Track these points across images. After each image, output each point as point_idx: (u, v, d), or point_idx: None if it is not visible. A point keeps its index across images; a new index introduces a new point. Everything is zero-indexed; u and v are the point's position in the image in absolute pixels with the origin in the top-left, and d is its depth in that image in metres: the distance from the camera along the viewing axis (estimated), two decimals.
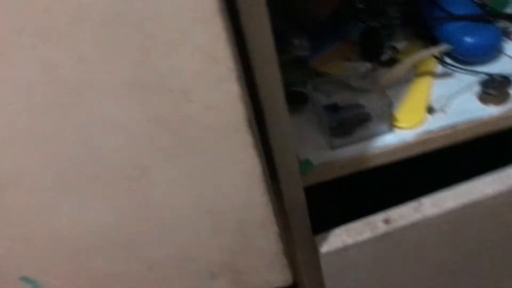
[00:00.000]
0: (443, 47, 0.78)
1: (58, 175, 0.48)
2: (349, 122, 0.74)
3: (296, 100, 0.80)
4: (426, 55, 0.79)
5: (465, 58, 0.80)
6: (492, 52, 0.81)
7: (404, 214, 0.68)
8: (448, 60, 0.82)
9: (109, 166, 0.47)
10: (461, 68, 0.80)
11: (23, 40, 0.39)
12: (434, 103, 0.75)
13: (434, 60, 0.82)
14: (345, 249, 0.67)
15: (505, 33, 0.84)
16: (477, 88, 0.76)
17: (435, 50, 0.79)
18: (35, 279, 0.57)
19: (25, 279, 0.57)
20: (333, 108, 0.77)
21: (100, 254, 0.56)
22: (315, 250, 0.69)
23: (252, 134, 0.46)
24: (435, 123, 0.73)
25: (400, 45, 0.87)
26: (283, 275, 0.60)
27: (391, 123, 0.74)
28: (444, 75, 0.81)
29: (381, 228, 0.68)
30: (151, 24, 0.37)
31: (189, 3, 0.36)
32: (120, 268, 0.58)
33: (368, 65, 0.83)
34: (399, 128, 0.74)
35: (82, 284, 0.59)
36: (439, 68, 0.82)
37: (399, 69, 0.79)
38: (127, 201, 0.51)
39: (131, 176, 0.48)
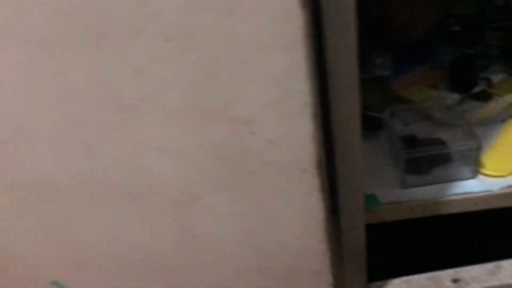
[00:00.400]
0: None
1: (103, 189, 0.43)
2: (427, 160, 0.66)
3: (369, 126, 0.72)
4: None
5: None
6: None
7: (478, 276, 0.60)
8: None
9: (156, 188, 0.42)
10: None
11: (80, 42, 0.34)
12: None
13: None
14: None
15: None
16: None
17: None
18: (65, 285, 0.54)
19: (55, 283, 0.54)
20: (410, 141, 0.69)
21: (133, 274, 0.52)
22: None
23: (320, 177, 0.39)
24: None
25: (496, 77, 0.77)
26: None
27: (475, 168, 0.65)
28: None
29: None
30: (222, 45, 0.32)
31: (270, 25, 0.30)
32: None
33: (456, 96, 0.74)
34: (484, 175, 0.65)
35: None
36: None
37: (493, 107, 0.69)
38: (169, 226, 0.46)
39: (178, 202, 0.43)
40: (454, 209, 0.65)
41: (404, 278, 0.61)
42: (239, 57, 0.33)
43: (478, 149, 0.63)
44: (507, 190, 0.63)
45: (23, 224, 0.48)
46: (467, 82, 0.75)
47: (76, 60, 0.34)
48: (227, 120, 0.36)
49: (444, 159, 0.66)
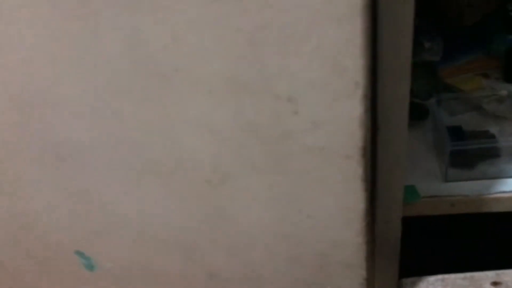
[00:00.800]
0: None
1: (133, 160, 0.41)
2: (473, 154, 0.62)
3: (414, 113, 0.68)
4: None
5: None
6: None
7: None
8: None
9: (187, 164, 0.40)
10: None
11: (115, 3, 0.31)
12: None
13: None
14: None
15: None
16: None
17: None
18: (90, 256, 0.53)
19: (80, 253, 0.53)
20: (457, 132, 0.64)
21: (160, 249, 0.50)
22: None
23: (365, 165, 0.36)
24: None
25: None
26: None
27: None
28: None
29: None
30: (270, 11, 0.28)
31: None
32: (176, 269, 0.52)
33: (509, 88, 0.69)
34: None
35: (135, 274, 0.54)
36: None
37: None
38: (198, 204, 0.43)
39: (209, 180, 0.41)
40: (498, 208, 0.61)
41: (440, 276, 0.58)
42: (288, 27, 0.29)
43: None
44: None
45: (51, 192, 0.47)
46: None
47: (110, 23, 0.32)
48: (268, 97, 0.33)
49: (491, 154, 0.62)
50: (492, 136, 0.64)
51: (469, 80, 0.72)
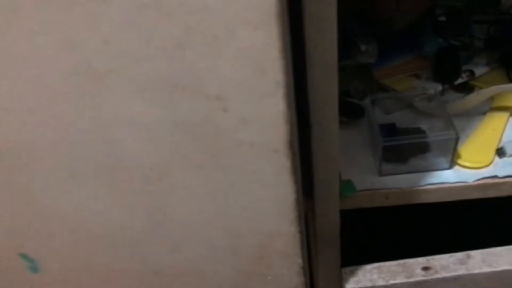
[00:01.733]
0: None
1: (72, 161, 0.43)
2: (405, 149, 0.66)
3: (350, 112, 0.72)
4: (508, 89, 0.69)
5: None
6: None
7: (447, 265, 0.60)
8: None
9: (126, 162, 0.42)
10: None
11: (48, 6, 0.33)
12: (506, 146, 0.66)
13: None
14: None
15: None
16: None
17: None
18: (34, 258, 0.53)
19: (24, 256, 0.53)
20: (390, 129, 0.69)
21: (103, 248, 0.51)
22: (340, 284, 0.62)
23: (292, 158, 0.39)
24: (503, 168, 0.64)
25: (479, 70, 0.77)
26: None
27: (452, 159, 0.65)
28: None
29: (419, 275, 0.60)
30: (193, 16, 0.31)
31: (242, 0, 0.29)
32: (123, 266, 0.53)
33: (438, 87, 0.74)
34: (461, 166, 0.65)
35: (80, 273, 0.55)
36: None
37: (473, 99, 0.69)
38: (139, 202, 0.45)
39: (148, 178, 0.43)
40: (428, 199, 0.65)
41: (376, 265, 0.61)
42: (210, 31, 0.32)
43: (456, 140, 0.63)
44: (481, 182, 0.63)
45: None
46: (450, 73, 0.75)
47: (44, 25, 0.34)
48: (199, 96, 0.36)
49: (421, 149, 0.66)
50: (423, 132, 0.68)
51: (402, 81, 0.77)
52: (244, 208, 0.44)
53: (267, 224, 0.45)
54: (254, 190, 0.42)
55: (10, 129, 0.41)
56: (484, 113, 0.71)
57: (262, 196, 0.43)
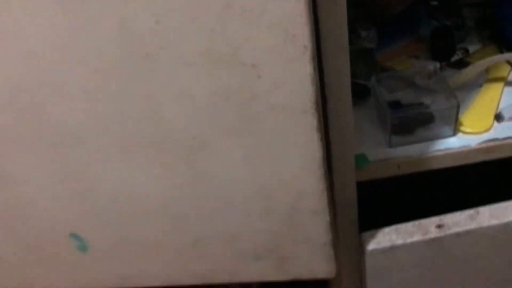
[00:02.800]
0: None
1: (122, 137, 0.48)
2: (412, 121, 0.72)
3: (357, 93, 0.77)
4: (500, 60, 0.76)
5: None
6: None
7: (459, 221, 0.66)
8: None
9: (170, 133, 0.47)
10: None
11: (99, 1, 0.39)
12: (504, 111, 0.72)
13: (507, 66, 0.78)
14: (393, 249, 0.65)
15: None
16: None
17: (510, 56, 0.75)
18: (83, 237, 0.58)
19: (74, 236, 0.58)
20: (396, 105, 0.74)
21: (148, 221, 0.56)
22: (361, 247, 0.67)
23: (318, 117, 0.45)
24: (502, 131, 0.70)
25: (472, 47, 0.83)
26: (328, 267, 0.59)
27: (455, 127, 0.71)
28: None
29: (433, 232, 0.65)
30: None
31: None
32: (165, 239, 0.58)
33: (436, 65, 0.80)
34: (464, 133, 0.71)
35: (125, 249, 0.60)
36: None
37: (469, 72, 0.75)
38: (182, 171, 0.51)
39: (191, 147, 0.48)
40: (437, 165, 0.71)
41: (393, 227, 0.67)
42: (246, 6, 0.38)
43: (457, 107, 0.69)
44: (483, 145, 0.69)
45: (46, 177, 0.52)
46: (446, 51, 0.81)
47: (99, 11, 0.39)
48: (237, 65, 0.41)
49: (426, 119, 0.72)
50: (426, 106, 0.74)
51: (402, 62, 0.83)
52: (276, 170, 0.50)
53: (297, 183, 0.51)
54: (285, 151, 0.48)
55: (63, 110, 0.46)
56: (480, 85, 0.77)
57: (292, 156, 0.48)
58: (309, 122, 0.45)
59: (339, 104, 0.57)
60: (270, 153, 0.48)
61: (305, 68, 0.41)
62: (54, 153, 0.50)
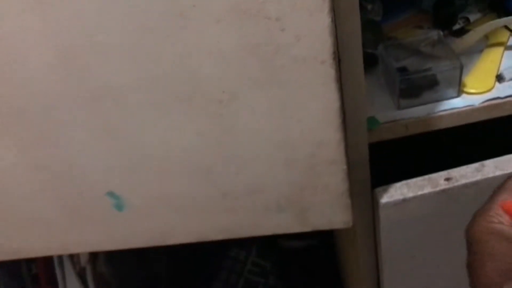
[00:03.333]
0: None
1: (156, 94, 0.53)
2: (418, 84, 0.76)
3: (366, 61, 0.82)
4: (499, 25, 0.80)
5: None
6: None
7: (466, 174, 0.70)
8: None
9: (202, 88, 0.52)
10: None
11: None
12: (504, 72, 0.76)
13: (506, 31, 0.83)
14: (404, 201, 0.70)
15: None
16: None
17: (508, 20, 0.80)
18: (120, 195, 0.63)
19: (111, 194, 0.63)
20: (403, 71, 0.79)
21: (181, 176, 0.61)
22: (374, 201, 0.72)
23: (336, 68, 0.49)
24: (503, 91, 0.74)
25: (473, 16, 0.87)
26: (345, 217, 0.64)
27: (459, 88, 0.75)
28: None
29: (442, 185, 0.70)
30: None
31: None
32: (196, 194, 0.63)
33: (439, 32, 0.85)
34: (467, 93, 0.76)
35: (159, 206, 0.65)
36: (511, 40, 0.82)
37: (471, 37, 0.80)
38: (213, 125, 0.55)
39: (220, 101, 0.53)
40: (444, 124, 0.76)
41: (404, 182, 0.71)
42: None
43: (461, 69, 0.73)
44: (486, 104, 0.74)
45: (87, 136, 0.57)
46: (447, 21, 0.86)
47: None
48: (263, 19, 0.46)
49: (432, 82, 0.77)
50: (431, 71, 0.79)
51: (407, 32, 0.87)
52: (298, 121, 0.54)
53: (317, 134, 0.55)
54: (305, 102, 0.53)
55: (105, 69, 0.51)
56: (481, 51, 0.82)
57: (312, 107, 0.53)
58: (328, 73, 0.50)
59: (352, 64, 0.62)
60: (292, 105, 0.53)
61: (324, 20, 0.46)
62: (95, 112, 0.55)
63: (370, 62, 0.83)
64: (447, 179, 0.70)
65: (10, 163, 0.60)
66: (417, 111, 0.76)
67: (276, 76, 0.50)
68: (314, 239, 1.56)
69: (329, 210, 0.63)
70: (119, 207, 0.64)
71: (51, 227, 0.68)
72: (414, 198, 0.70)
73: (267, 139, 0.56)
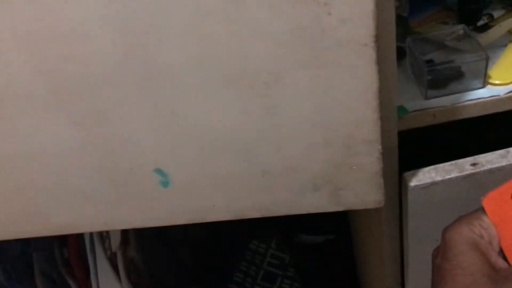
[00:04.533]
0: None
1: (207, 74, 0.57)
2: (445, 76, 0.80)
3: None
4: None
5: None
6: None
7: (492, 160, 0.74)
8: None
9: (250, 70, 0.56)
10: None
11: None
12: None
13: None
14: (432, 185, 0.73)
15: None
16: None
17: None
18: (167, 172, 0.67)
19: (159, 171, 0.67)
20: (430, 63, 0.83)
21: (223, 155, 0.65)
22: (403, 185, 0.75)
23: (376, 50, 0.53)
24: None
25: (497, 13, 0.91)
26: (378, 196, 0.67)
27: (484, 79, 0.79)
28: None
29: (468, 170, 0.73)
30: None
31: None
32: (237, 170, 0.66)
33: (465, 27, 0.88)
34: (492, 84, 0.79)
35: (203, 183, 0.69)
36: None
37: (495, 32, 0.84)
38: (257, 105, 0.59)
39: (266, 81, 0.57)
40: (469, 114, 0.79)
41: (432, 166, 0.75)
42: None
43: (486, 60, 0.77)
44: (511, 94, 0.77)
45: (141, 114, 0.61)
46: (472, 17, 0.90)
47: None
48: (312, 4, 0.50)
49: (458, 74, 0.80)
50: (457, 63, 0.82)
51: (433, 27, 0.91)
52: (339, 101, 0.58)
53: (356, 114, 0.59)
54: (347, 83, 0.57)
55: (162, 49, 0.55)
56: (505, 45, 0.85)
57: (353, 88, 0.57)
58: (369, 55, 0.54)
59: (386, 52, 0.66)
60: (334, 86, 0.57)
61: (368, 5, 0.50)
62: (149, 91, 0.59)
63: (398, 54, 0.87)
64: (473, 164, 0.74)
65: (64, 139, 0.65)
66: (444, 100, 0.79)
67: (320, 58, 0.54)
68: (331, 234, 1.59)
69: (363, 190, 0.67)
70: (165, 183, 0.68)
71: (98, 203, 0.72)
72: (442, 182, 0.73)
73: (307, 119, 0.60)
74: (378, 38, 0.53)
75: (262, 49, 0.54)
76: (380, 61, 0.66)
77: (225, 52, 0.55)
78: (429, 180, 0.73)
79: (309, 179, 0.67)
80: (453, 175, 0.73)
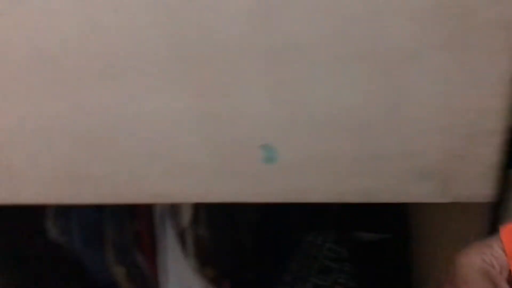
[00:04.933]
0: None
1: (335, 50, 0.56)
2: None
3: None
4: None
5: None
6: None
7: None
8: None
9: (383, 47, 0.55)
10: None
11: None
12: None
13: None
14: None
15: None
16: None
17: None
18: (275, 149, 0.66)
19: (265, 147, 0.67)
20: None
21: (335, 135, 0.63)
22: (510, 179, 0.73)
23: None
24: None
25: None
26: (489, 190, 0.65)
27: None
28: None
29: None
30: None
31: None
32: (347, 152, 0.65)
33: None
34: None
35: (308, 163, 0.68)
36: None
37: None
38: (383, 84, 0.58)
39: (398, 60, 0.56)
40: None
41: None
42: None
43: None
44: None
45: (257, 84, 0.60)
46: None
47: None
48: None
49: None
50: None
51: None
52: (468, 86, 0.56)
53: (483, 101, 0.57)
54: (478, 67, 0.55)
55: (288, 26, 0.54)
56: None
57: (483, 72, 0.55)
58: (508, 39, 0.52)
59: None
60: (467, 69, 0.55)
61: None
62: (273, 66, 0.58)
63: None
64: None
65: (177, 110, 0.65)
66: None
67: (459, 39, 0.53)
68: (388, 233, 1.57)
69: (475, 182, 0.65)
70: (270, 159, 0.68)
71: (199, 175, 0.72)
72: None
73: (433, 102, 0.59)
74: None
75: (399, 27, 0.53)
76: None
77: (361, 29, 0.54)
78: None
79: (419, 167, 0.65)
80: None
